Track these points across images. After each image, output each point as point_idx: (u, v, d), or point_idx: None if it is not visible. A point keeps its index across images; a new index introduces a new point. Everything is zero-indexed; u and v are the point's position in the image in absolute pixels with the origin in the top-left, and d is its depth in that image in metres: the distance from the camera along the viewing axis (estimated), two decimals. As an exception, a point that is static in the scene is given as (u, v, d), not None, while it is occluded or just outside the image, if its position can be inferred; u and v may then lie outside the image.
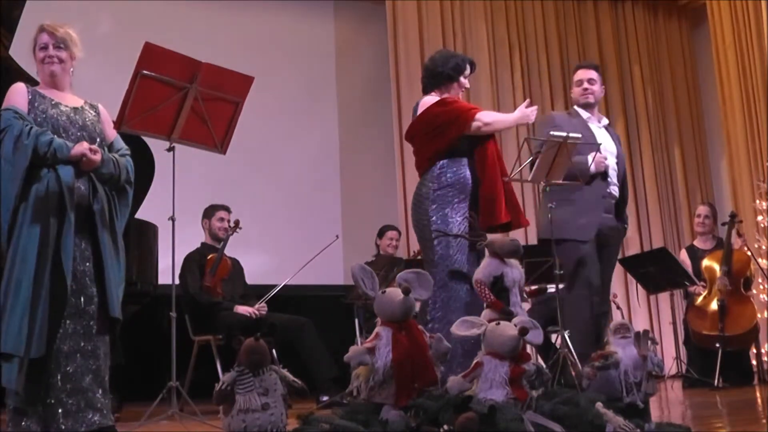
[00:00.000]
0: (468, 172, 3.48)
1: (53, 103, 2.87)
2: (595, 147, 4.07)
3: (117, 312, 2.83)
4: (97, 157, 2.79)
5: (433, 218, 3.40)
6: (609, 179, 4.21)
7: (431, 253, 3.40)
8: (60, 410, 2.65)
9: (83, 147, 2.77)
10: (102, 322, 2.81)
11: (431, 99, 3.61)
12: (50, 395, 2.64)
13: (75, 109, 2.91)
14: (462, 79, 3.65)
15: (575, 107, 4.40)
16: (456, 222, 3.39)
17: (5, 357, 2.60)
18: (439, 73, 3.65)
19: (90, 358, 2.75)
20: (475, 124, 3.46)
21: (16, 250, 2.68)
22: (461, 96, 3.73)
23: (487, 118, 3.51)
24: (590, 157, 4.08)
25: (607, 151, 4.23)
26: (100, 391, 2.76)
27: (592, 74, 4.39)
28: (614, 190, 4.26)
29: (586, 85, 4.34)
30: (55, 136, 2.78)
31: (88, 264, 2.79)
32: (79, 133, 2.86)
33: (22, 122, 2.74)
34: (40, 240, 2.68)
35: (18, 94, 2.85)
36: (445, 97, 3.58)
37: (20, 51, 3.92)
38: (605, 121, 4.46)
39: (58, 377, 2.67)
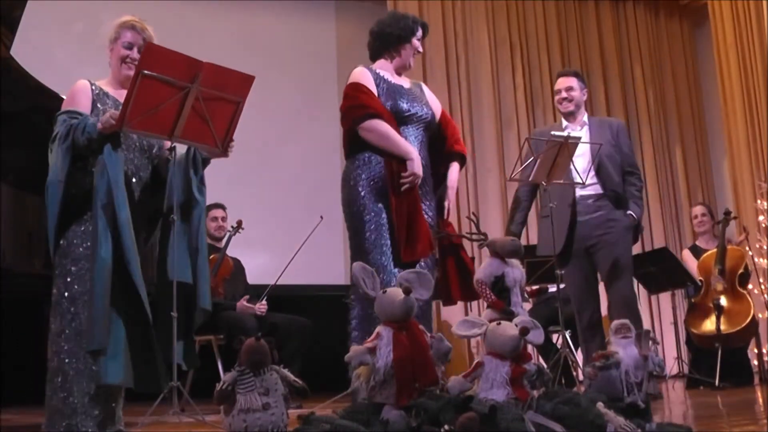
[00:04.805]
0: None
1: (117, 103, 2.88)
2: (597, 146, 4.07)
3: (208, 303, 3.06)
4: (115, 114, 2.73)
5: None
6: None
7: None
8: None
9: (106, 115, 2.74)
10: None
11: (361, 71, 3.37)
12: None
13: None
14: (414, 40, 3.43)
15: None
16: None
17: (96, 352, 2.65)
18: (388, 35, 3.41)
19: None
20: (361, 132, 3.25)
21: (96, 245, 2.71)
22: (411, 62, 3.46)
23: (375, 126, 3.21)
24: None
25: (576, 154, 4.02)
26: None
27: (571, 82, 4.36)
28: (594, 189, 4.21)
29: (564, 94, 4.35)
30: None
31: None
32: (138, 139, 2.90)
33: (66, 126, 2.72)
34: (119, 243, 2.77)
35: (81, 94, 2.83)
36: (360, 84, 3.31)
37: (21, 51, 3.93)
38: (585, 120, 4.39)
39: None
